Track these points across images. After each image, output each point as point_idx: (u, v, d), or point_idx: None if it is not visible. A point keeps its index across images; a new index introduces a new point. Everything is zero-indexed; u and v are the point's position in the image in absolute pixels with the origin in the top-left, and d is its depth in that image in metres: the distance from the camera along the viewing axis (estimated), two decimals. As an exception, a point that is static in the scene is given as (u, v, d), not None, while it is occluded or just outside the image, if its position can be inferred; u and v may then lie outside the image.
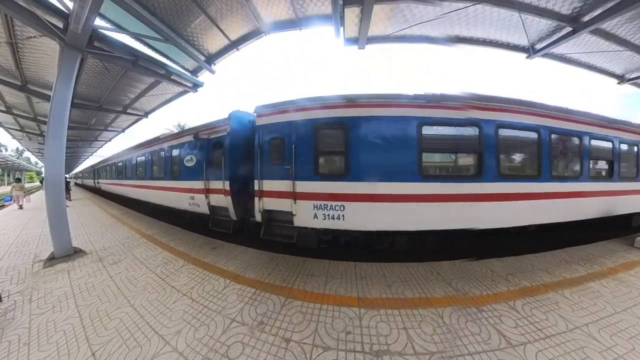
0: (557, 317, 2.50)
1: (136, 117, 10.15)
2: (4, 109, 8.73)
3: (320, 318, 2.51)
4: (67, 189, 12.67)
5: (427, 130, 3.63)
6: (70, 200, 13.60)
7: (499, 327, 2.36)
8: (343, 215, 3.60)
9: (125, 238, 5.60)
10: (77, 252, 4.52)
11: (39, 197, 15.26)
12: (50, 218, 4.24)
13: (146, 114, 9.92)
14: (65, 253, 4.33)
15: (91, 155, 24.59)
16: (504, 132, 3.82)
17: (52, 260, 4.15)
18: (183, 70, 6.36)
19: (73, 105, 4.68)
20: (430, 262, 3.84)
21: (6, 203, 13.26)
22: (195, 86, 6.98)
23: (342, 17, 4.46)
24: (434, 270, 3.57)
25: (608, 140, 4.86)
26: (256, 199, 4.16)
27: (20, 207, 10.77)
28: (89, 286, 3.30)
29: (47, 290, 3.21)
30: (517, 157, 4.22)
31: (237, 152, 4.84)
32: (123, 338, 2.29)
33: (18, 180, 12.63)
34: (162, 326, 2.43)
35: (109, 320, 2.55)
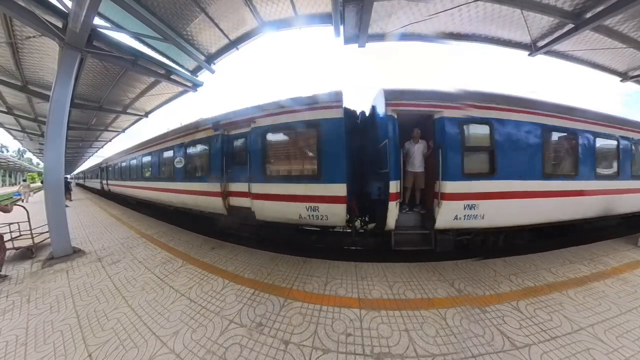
0: (562, 317, 2.45)
1: (136, 117, 10.14)
2: (5, 110, 8.74)
3: (320, 319, 2.47)
4: (68, 189, 12.85)
5: None
6: (71, 200, 13.66)
7: (503, 328, 2.31)
8: None
9: (125, 238, 5.58)
10: (76, 252, 4.50)
11: (39, 195, 17.20)
12: (49, 218, 4.23)
13: (146, 114, 9.92)
14: (64, 253, 4.32)
15: (92, 155, 24.66)
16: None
17: (51, 260, 4.13)
18: (183, 70, 6.34)
19: (73, 105, 4.69)
20: (431, 262, 3.79)
21: (15, 197, 16.86)
22: (195, 86, 6.96)
23: (341, 15, 4.43)
24: (435, 270, 3.53)
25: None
26: None
27: (24, 201, 13.28)
28: (87, 286, 3.28)
29: (45, 290, 3.19)
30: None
31: None
32: (120, 339, 2.26)
33: (24, 180, 17.91)
34: (160, 327, 2.40)
35: (107, 321, 2.52)
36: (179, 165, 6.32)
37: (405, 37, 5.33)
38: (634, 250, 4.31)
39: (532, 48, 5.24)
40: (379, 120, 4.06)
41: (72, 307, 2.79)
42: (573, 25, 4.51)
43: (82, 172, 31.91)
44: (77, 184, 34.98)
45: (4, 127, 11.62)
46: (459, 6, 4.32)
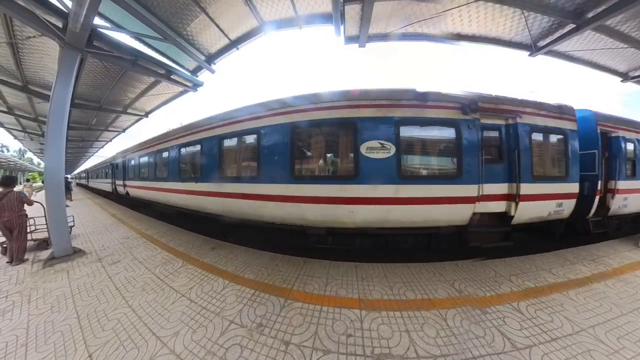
0: (563, 318, 2.45)
1: (137, 117, 10.15)
2: (6, 110, 8.75)
3: (320, 320, 2.47)
4: (68, 189, 12.87)
5: None
6: (71, 200, 13.68)
7: (503, 329, 2.31)
8: None
9: (125, 238, 5.58)
10: (77, 252, 4.50)
11: (41, 195, 16.54)
12: (50, 218, 4.23)
13: (146, 114, 9.92)
14: (64, 253, 4.32)
15: (92, 155, 24.69)
16: None
17: (51, 260, 4.13)
18: (183, 70, 6.33)
19: (73, 105, 4.68)
20: (432, 262, 3.79)
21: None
22: (195, 86, 6.96)
23: (342, 15, 4.42)
24: (436, 271, 3.53)
25: None
26: None
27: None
28: (87, 286, 3.28)
29: (46, 291, 3.19)
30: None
31: None
32: (120, 339, 2.26)
33: (28, 180, 19.05)
34: (160, 327, 2.40)
35: (107, 321, 2.52)
36: (381, 155, 3.83)
37: (406, 37, 5.32)
38: (634, 251, 4.31)
39: (532, 48, 5.23)
40: (590, 135, 5.02)
41: (72, 308, 2.78)
42: (574, 25, 4.50)
43: (85, 170, 29.52)
44: (78, 184, 34.93)
45: (4, 127, 11.63)
46: (459, 7, 4.31)
